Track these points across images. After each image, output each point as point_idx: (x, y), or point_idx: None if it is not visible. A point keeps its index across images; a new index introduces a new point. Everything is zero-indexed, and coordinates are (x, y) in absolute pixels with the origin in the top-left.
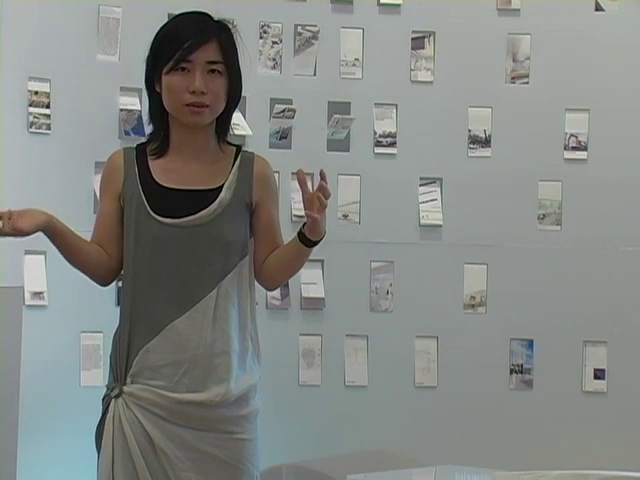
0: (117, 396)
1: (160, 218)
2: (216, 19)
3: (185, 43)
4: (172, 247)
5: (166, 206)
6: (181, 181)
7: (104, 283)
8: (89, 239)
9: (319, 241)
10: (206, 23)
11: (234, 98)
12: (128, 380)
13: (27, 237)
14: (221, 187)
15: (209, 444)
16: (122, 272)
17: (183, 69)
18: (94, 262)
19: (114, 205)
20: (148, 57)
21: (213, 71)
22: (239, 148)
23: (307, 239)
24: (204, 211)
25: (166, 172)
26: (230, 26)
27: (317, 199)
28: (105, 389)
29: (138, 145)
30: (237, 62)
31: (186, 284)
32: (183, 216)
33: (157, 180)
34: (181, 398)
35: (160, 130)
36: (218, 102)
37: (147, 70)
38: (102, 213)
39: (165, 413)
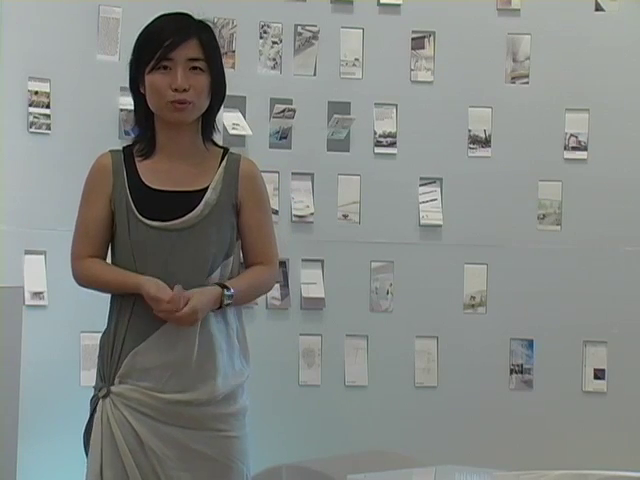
0: (105, 396)
1: (148, 221)
2: (196, 19)
3: (166, 41)
4: (160, 250)
5: (154, 208)
6: (169, 182)
7: None
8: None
9: (228, 303)
10: (186, 22)
11: (218, 96)
12: (116, 381)
13: (27, 237)
14: (207, 188)
15: (198, 442)
16: None
17: (165, 67)
18: None
19: (105, 209)
20: (131, 59)
21: (195, 68)
22: (226, 150)
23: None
24: (191, 213)
25: (154, 173)
26: (211, 25)
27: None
28: (93, 390)
29: (125, 147)
30: (219, 60)
31: (174, 286)
32: (171, 219)
33: (145, 181)
34: (170, 398)
35: (146, 131)
36: (201, 98)
37: (131, 72)
38: (93, 218)
39: (154, 413)
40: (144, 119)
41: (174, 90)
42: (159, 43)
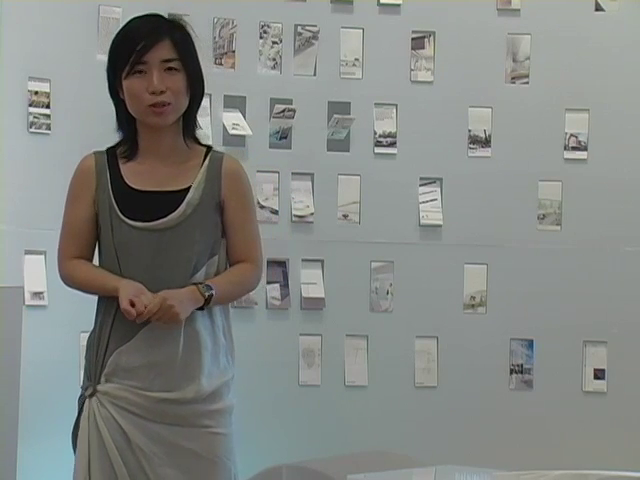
0: (91, 395)
1: (131, 222)
2: (169, 18)
3: (138, 45)
4: (144, 250)
5: (137, 209)
6: (151, 182)
7: None
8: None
9: (207, 302)
10: (157, 23)
11: (196, 94)
12: (102, 379)
13: (27, 237)
14: (190, 188)
15: (185, 438)
16: None
17: (140, 71)
18: None
19: (89, 211)
20: (107, 66)
21: (170, 69)
22: (209, 148)
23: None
24: (173, 213)
25: (136, 174)
26: (184, 23)
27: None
28: (80, 390)
29: (108, 148)
30: (195, 58)
31: (158, 286)
32: (154, 219)
33: (128, 183)
34: (156, 396)
35: (129, 135)
36: (179, 99)
37: (108, 78)
38: (77, 219)
39: (141, 411)
40: (126, 123)
41: (151, 93)
42: (132, 47)
